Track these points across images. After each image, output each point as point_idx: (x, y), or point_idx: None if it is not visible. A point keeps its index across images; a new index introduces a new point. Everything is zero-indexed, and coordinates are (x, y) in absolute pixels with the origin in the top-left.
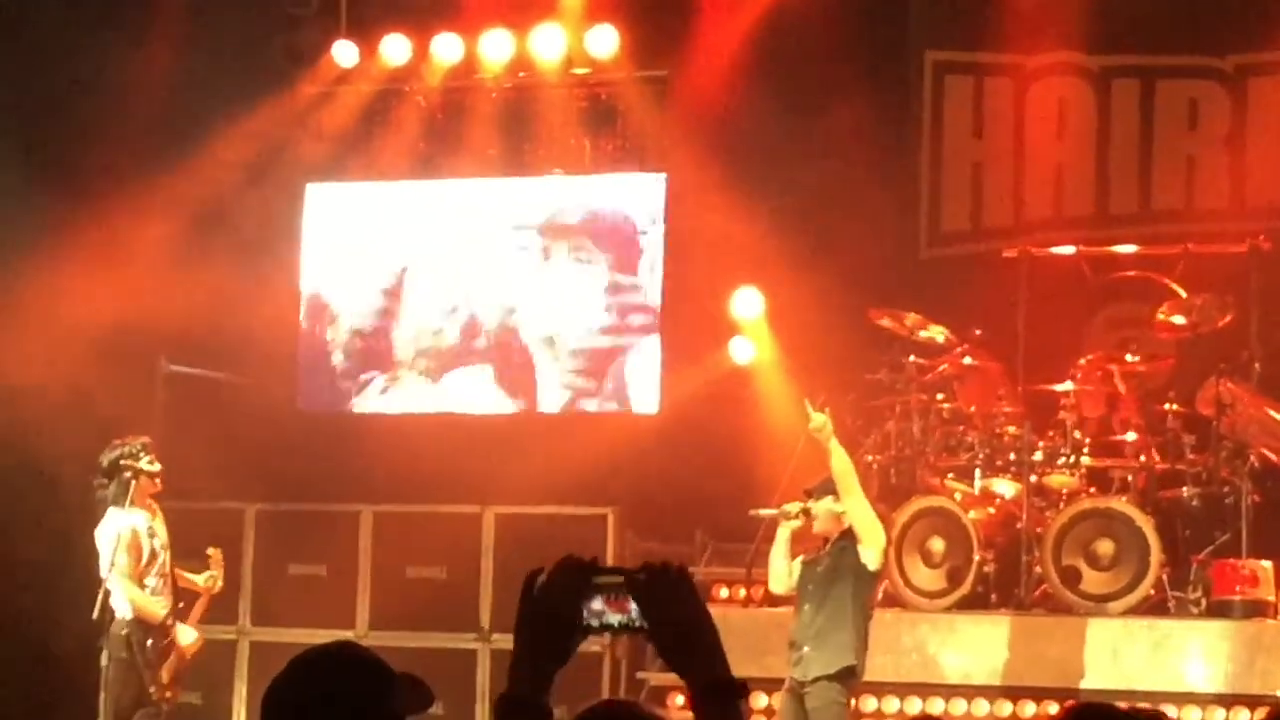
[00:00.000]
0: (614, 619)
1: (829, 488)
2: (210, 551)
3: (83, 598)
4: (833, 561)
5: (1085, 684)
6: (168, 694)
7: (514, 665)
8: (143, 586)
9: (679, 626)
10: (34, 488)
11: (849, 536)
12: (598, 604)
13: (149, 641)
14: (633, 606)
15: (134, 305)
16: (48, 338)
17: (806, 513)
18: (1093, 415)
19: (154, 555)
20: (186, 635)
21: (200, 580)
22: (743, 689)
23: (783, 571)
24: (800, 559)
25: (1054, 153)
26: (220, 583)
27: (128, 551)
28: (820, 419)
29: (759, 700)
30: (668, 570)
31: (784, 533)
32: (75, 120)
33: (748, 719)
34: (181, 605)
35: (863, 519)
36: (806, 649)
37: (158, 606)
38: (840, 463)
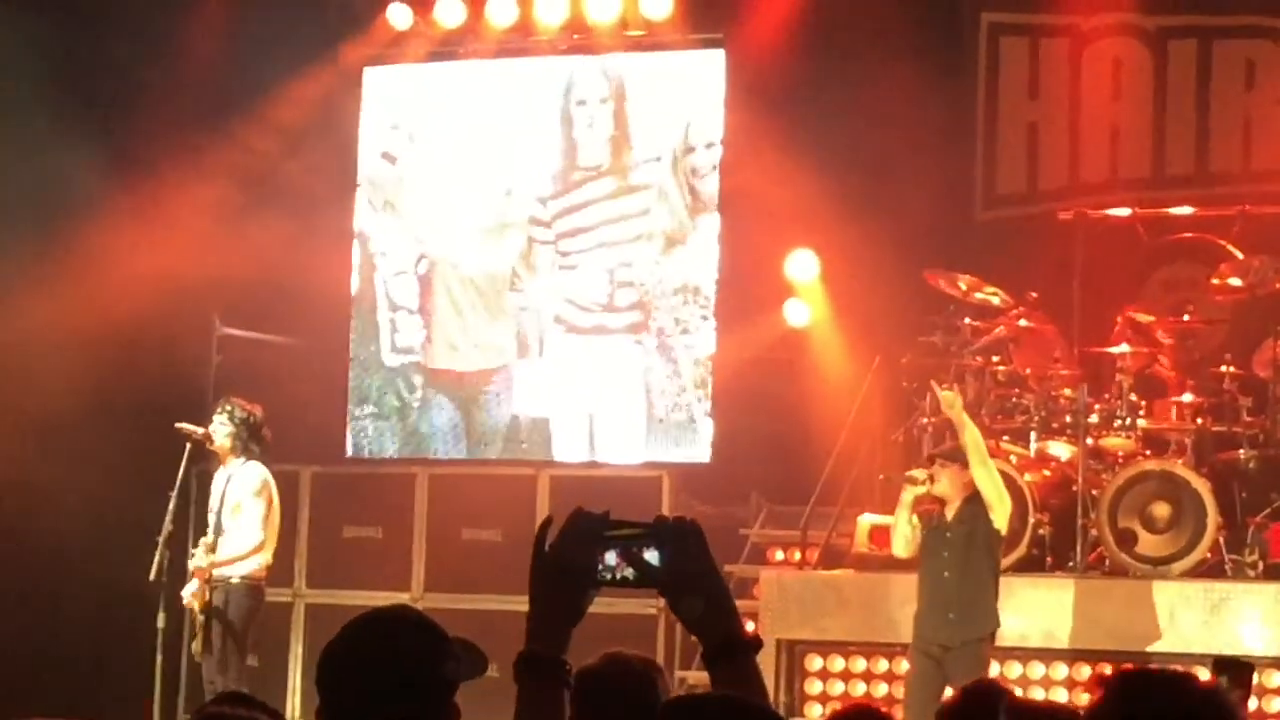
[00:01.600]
0: (628, 573)
1: (954, 455)
2: None
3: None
4: (968, 527)
5: (1141, 647)
6: (193, 645)
7: (530, 622)
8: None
9: (692, 581)
10: (85, 446)
11: (977, 502)
12: (611, 558)
13: None
14: (646, 560)
15: (188, 267)
16: (103, 300)
17: (932, 478)
18: (1135, 368)
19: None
20: (186, 590)
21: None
22: (755, 645)
23: (910, 535)
24: (915, 522)
25: (1110, 114)
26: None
27: None
28: (950, 396)
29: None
30: (681, 525)
31: (908, 497)
32: (131, 82)
33: (759, 674)
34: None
35: (993, 487)
36: (952, 615)
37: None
38: (972, 435)
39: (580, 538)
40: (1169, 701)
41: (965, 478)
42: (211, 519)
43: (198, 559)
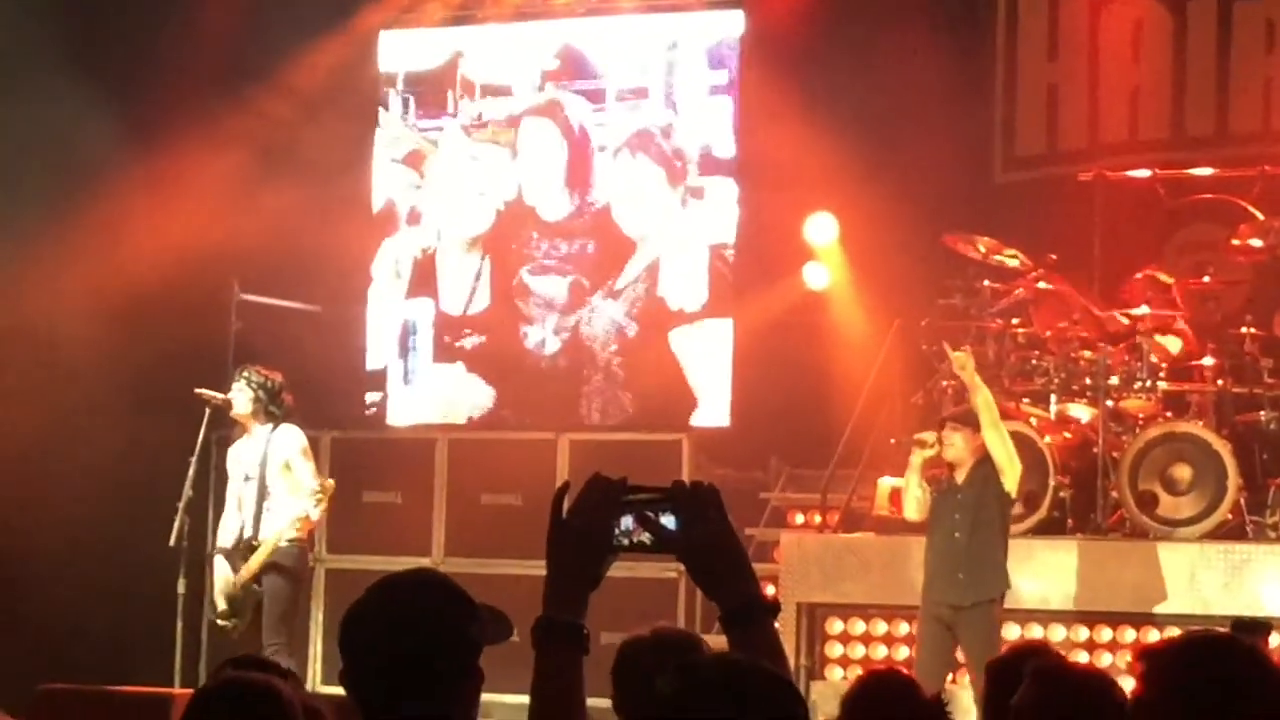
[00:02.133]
0: (644, 538)
1: (965, 418)
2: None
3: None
4: (978, 490)
5: (1162, 609)
6: (219, 622)
7: (547, 588)
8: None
9: (709, 545)
10: (104, 412)
11: (988, 465)
12: (628, 523)
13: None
14: (663, 525)
15: (207, 235)
16: (122, 268)
17: (941, 441)
18: (1155, 330)
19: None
20: (218, 568)
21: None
22: (773, 608)
23: (920, 498)
24: (925, 485)
25: (1130, 75)
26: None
27: None
28: (962, 357)
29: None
30: (698, 488)
31: (917, 460)
32: (147, 50)
33: (777, 638)
34: None
35: (1003, 450)
36: (962, 575)
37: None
38: (984, 396)
39: (597, 503)
40: (1215, 667)
41: (977, 441)
42: (251, 486)
43: (266, 529)
